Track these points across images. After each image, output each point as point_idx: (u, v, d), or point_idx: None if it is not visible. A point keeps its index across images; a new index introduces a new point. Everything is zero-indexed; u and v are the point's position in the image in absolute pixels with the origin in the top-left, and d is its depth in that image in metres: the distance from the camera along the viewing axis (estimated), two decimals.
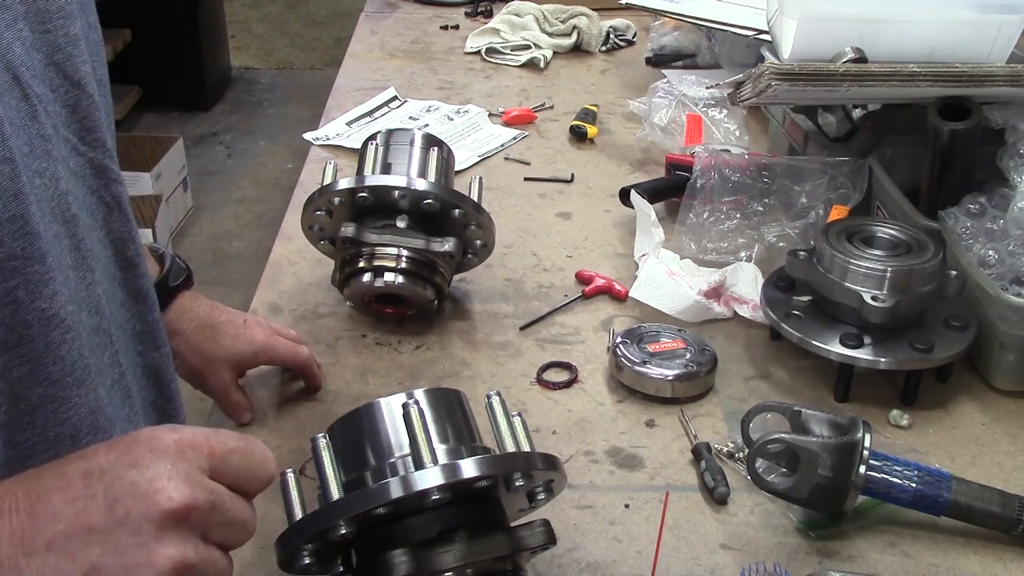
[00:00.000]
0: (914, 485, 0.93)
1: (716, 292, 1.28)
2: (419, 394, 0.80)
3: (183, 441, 0.56)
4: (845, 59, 1.26)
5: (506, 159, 1.72)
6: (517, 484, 0.75)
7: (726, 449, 1.04)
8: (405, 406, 0.77)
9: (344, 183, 1.17)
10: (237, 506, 0.59)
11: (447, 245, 1.19)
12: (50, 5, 0.66)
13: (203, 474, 0.56)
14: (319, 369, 1.15)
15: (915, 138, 1.30)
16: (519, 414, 0.82)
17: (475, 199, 1.23)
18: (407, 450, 0.77)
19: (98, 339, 0.69)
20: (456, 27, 2.34)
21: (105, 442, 0.57)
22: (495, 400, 0.82)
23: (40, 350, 0.62)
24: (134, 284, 0.78)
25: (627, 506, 0.99)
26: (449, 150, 1.29)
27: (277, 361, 1.14)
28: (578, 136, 1.78)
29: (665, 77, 1.88)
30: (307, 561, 0.75)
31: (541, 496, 0.78)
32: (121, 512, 0.53)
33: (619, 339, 1.17)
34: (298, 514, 0.78)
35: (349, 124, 1.84)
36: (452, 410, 0.82)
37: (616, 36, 2.24)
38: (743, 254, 1.37)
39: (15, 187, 0.59)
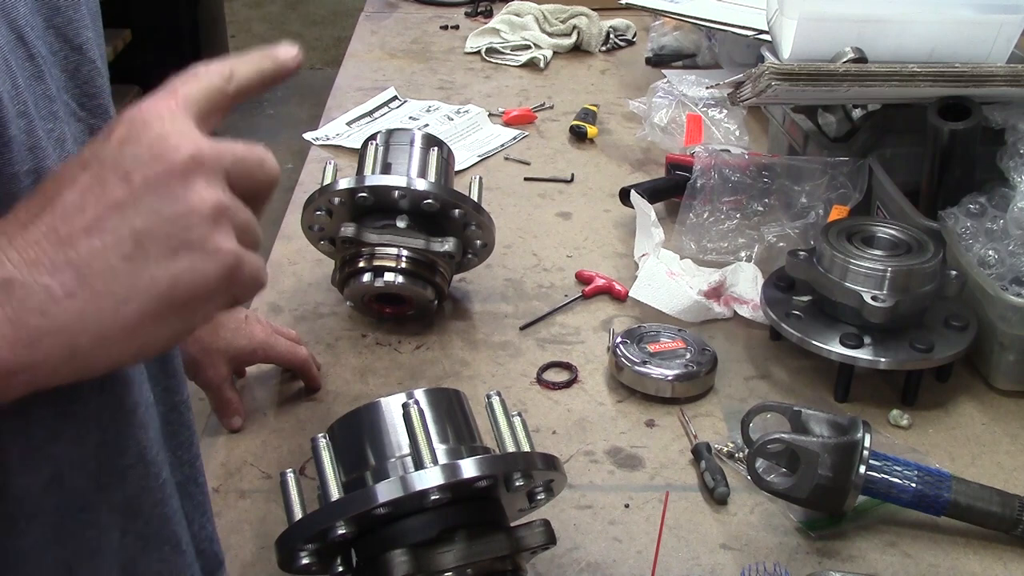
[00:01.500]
0: (914, 485, 0.93)
1: (716, 292, 1.27)
2: (419, 394, 0.80)
3: (159, 105, 0.54)
4: (845, 59, 1.26)
5: (506, 159, 1.72)
6: (517, 484, 0.75)
7: (726, 449, 1.04)
8: (405, 406, 0.77)
9: (344, 183, 1.17)
10: (240, 149, 0.56)
11: (447, 245, 1.19)
12: None
13: (196, 128, 0.54)
14: (318, 369, 1.15)
15: (915, 138, 1.30)
16: (519, 414, 0.82)
17: (475, 199, 1.23)
18: (407, 450, 0.77)
19: None
20: (456, 27, 2.34)
21: (85, 145, 0.56)
22: (495, 400, 0.82)
23: None
24: None
25: (627, 506, 0.99)
26: (449, 150, 1.29)
27: (275, 359, 1.14)
28: (578, 136, 1.78)
29: (665, 77, 1.88)
30: (307, 561, 0.75)
31: (541, 496, 0.78)
32: (138, 180, 0.50)
33: (619, 339, 1.17)
34: (298, 514, 0.78)
35: (349, 124, 1.84)
36: (452, 410, 0.82)
37: (616, 36, 2.24)
38: (743, 254, 1.37)
39: (31, 140, 0.58)
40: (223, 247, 0.52)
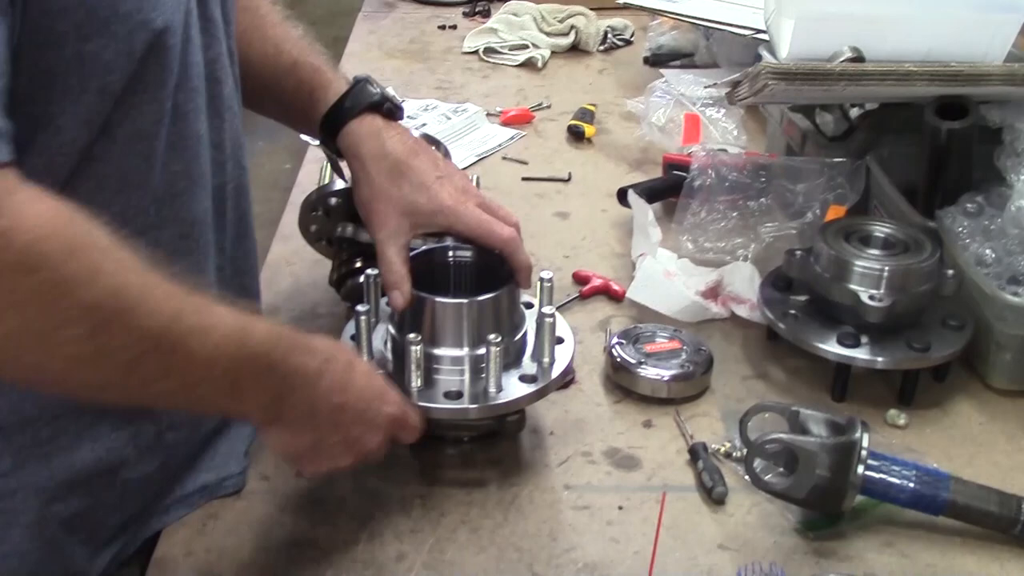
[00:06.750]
0: (912, 485, 0.93)
1: (713, 292, 1.27)
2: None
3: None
4: (842, 58, 1.26)
5: (504, 159, 1.72)
6: None
7: (723, 449, 1.04)
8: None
9: (341, 183, 1.17)
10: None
11: None
12: None
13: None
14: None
15: (912, 137, 1.30)
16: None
17: None
18: None
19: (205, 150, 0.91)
20: (454, 27, 2.34)
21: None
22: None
23: (189, 158, 0.87)
24: (218, 100, 0.92)
25: (623, 507, 0.99)
26: (447, 149, 1.29)
27: (459, 230, 0.98)
28: (576, 136, 1.78)
29: (663, 77, 1.88)
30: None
31: None
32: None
33: (615, 339, 1.17)
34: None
35: None
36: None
37: (614, 36, 2.23)
38: (740, 254, 1.37)
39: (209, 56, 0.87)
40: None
